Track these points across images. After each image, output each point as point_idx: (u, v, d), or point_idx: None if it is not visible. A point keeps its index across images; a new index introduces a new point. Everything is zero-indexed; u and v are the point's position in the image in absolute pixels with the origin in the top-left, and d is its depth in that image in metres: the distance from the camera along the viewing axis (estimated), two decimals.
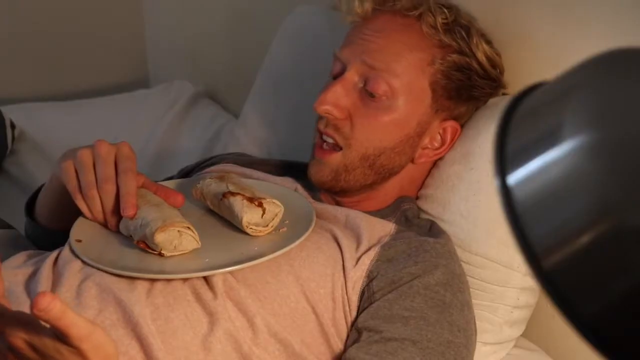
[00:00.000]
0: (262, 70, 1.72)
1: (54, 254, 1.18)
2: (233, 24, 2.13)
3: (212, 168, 1.39)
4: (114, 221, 1.16)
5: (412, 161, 1.27)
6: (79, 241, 1.16)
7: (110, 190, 1.15)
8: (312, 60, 1.59)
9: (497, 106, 1.29)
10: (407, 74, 1.22)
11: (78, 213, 1.20)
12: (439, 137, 1.27)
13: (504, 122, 0.58)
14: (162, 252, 1.12)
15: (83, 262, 1.13)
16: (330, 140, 1.25)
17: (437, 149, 1.27)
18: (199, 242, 1.13)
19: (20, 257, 1.21)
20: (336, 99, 1.23)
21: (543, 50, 1.29)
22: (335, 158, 1.24)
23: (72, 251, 1.16)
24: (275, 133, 1.66)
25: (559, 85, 0.58)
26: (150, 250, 1.12)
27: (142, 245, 1.13)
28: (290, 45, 1.68)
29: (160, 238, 1.10)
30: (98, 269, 1.11)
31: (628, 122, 0.53)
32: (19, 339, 0.85)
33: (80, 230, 1.18)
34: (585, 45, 1.20)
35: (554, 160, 0.54)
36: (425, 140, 1.26)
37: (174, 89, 2.17)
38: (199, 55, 2.29)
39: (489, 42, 1.28)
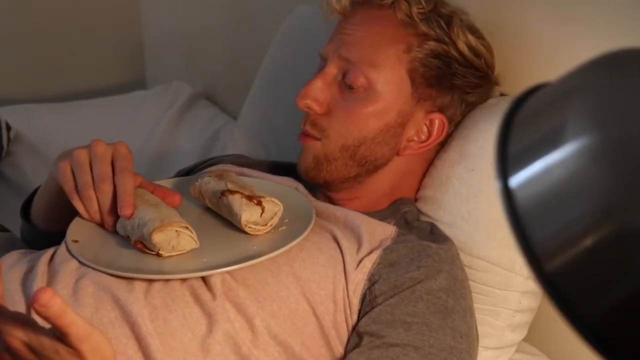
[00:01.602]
0: (261, 70, 1.72)
1: (50, 251, 1.18)
2: (232, 24, 2.13)
3: (211, 169, 1.40)
4: (111, 221, 1.16)
5: (398, 154, 1.27)
6: (76, 241, 1.16)
7: (107, 190, 1.15)
8: (311, 61, 1.58)
9: (498, 106, 1.29)
10: (384, 64, 1.24)
11: (75, 214, 1.20)
12: (425, 129, 1.27)
13: (506, 124, 0.58)
14: (159, 252, 1.12)
15: (80, 262, 1.13)
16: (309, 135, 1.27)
17: (423, 141, 1.28)
18: (197, 242, 1.13)
19: (14, 255, 1.21)
20: (316, 94, 1.26)
21: (543, 50, 1.29)
22: (316, 145, 1.27)
23: (69, 251, 1.16)
24: (274, 134, 1.66)
25: (561, 86, 0.58)
26: (148, 251, 1.12)
27: (139, 246, 1.13)
28: (290, 46, 1.68)
29: (157, 238, 1.11)
30: (95, 269, 1.11)
31: (631, 124, 0.53)
32: (16, 339, 0.85)
33: (76, 230, 1.18)
34: (586, 46, 1.20)
35: (556, 162, 0.54)
36: (411, 132, 1.26)
37: (172, 90, 2.17)
38: (197, 55, 2.29)
39: (475, 33, 1.29)
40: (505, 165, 0.56)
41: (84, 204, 1.17)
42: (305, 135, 1.28)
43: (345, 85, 1.25)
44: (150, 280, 1.10)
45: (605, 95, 0.55)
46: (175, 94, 2.14)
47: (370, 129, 1.24)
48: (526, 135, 0.56)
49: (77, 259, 1.14)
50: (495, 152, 0.57)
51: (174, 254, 1.12)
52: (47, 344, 0.84)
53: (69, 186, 1.17)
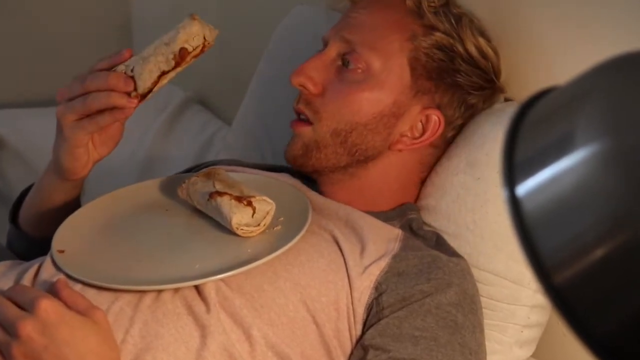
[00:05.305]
0: (256, 74, 1.73)
1: (34, 267, 1.18)
2: (226, 25, 2.13)
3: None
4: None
5: (390, 148, 1.27)
6: (62, 252, 1.16)
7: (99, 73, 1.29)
8: None
9: (504, 112, 1.29)
10: (385, 50, 1.25)
11: (67, 215, 1.21)
12: (419, 126, 1.27)
13: (513, 130, 0.58)
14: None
15: (66, 274, 1.13)
16: (302, 117, 1.27)
17: (416, 138, 1.27)
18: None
19: (0, 268, 1.21)
20: (311, 72, 1.26)
21: (549, 54, 1.30)
22: (307, 131, 1.26)
23: (54, 262, 1.15)
24: (270, 140, 1.66)
25: (569, 90, 0.58)
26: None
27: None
28: (286, 48, 1.68)
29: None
30: (82, 282, 1.11)
31: None
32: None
33: (62, 239, 1.18)
34: (594, 49, 1.20)
35: (565, 169, 0.54)
36: (405, 127, 1.26)
37: (163, 95, 2.17)
38: None
39: (485, 37, 1.29)
40: (512, 172, 0.56)
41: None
42: (298, 120, 1.28)
43: (343, 67, 1.26)
44: (140, 293, 1.10)
45: (616, 99, 0.55)
46: (167, 99, 2.14)
47: (363, 114, 1.25)
48: (534, 141, 0.57)
49: (63, 271, 1.14)
50: (502, 159, 0.57)
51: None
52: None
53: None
